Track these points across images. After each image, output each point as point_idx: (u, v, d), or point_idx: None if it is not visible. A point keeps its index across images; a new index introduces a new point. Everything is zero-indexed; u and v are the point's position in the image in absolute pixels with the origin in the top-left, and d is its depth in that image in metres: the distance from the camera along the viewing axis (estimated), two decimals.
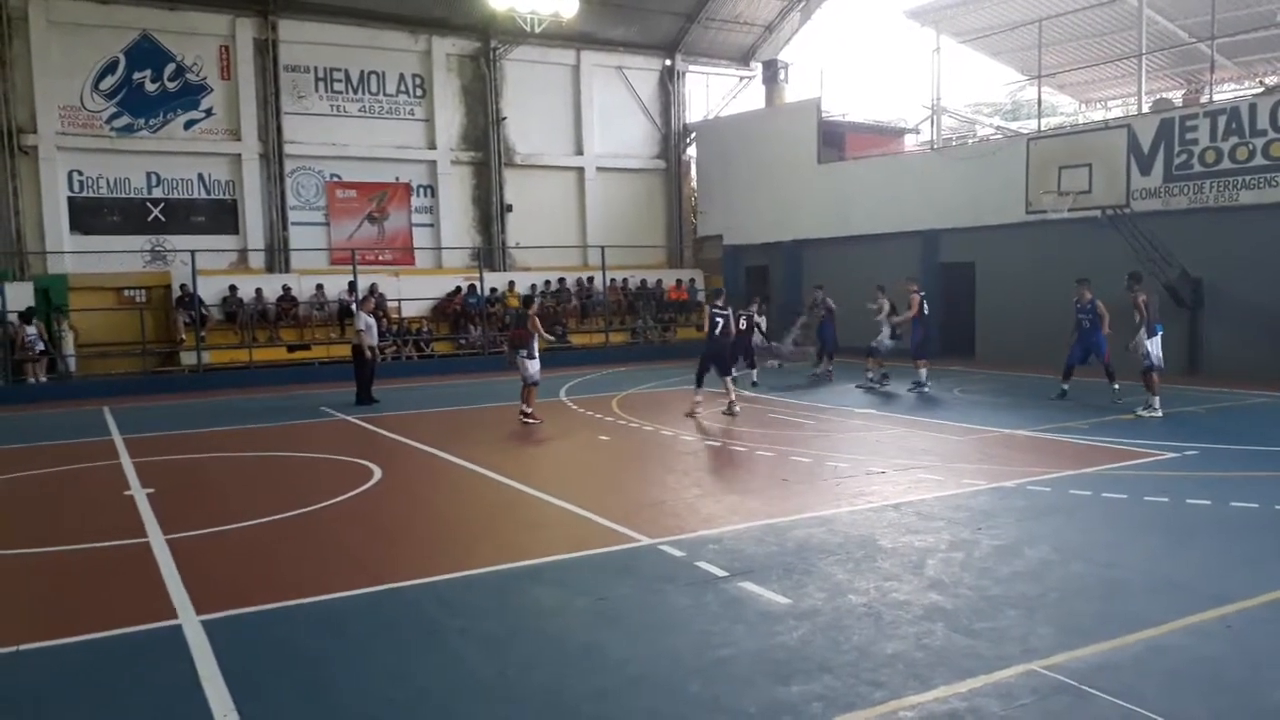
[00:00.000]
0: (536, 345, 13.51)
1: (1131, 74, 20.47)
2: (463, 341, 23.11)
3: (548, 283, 25.24)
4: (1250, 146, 15.83)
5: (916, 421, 12.70)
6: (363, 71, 24.01)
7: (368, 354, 16.03)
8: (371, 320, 16.30)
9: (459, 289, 23.67)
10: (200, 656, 5.04)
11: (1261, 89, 22.11)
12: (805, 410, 13.99)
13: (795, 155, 24.44)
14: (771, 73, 27.47)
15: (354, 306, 17.94)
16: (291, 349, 21.49)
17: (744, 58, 29.12)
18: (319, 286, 22.35)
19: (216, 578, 6.54)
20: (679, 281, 27.13)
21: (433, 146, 24.88)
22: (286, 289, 22.00)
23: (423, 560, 6.91)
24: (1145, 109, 19.38)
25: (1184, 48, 22.04)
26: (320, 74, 23.55)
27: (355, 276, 21.64)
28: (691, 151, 28.73)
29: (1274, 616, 5.30)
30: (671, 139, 28.45)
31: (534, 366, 13.43)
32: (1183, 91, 24.08)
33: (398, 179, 24.60)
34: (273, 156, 22.94)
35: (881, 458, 10.23)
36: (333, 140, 23.63)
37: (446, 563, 6.72)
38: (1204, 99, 19.11)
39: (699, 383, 13.89)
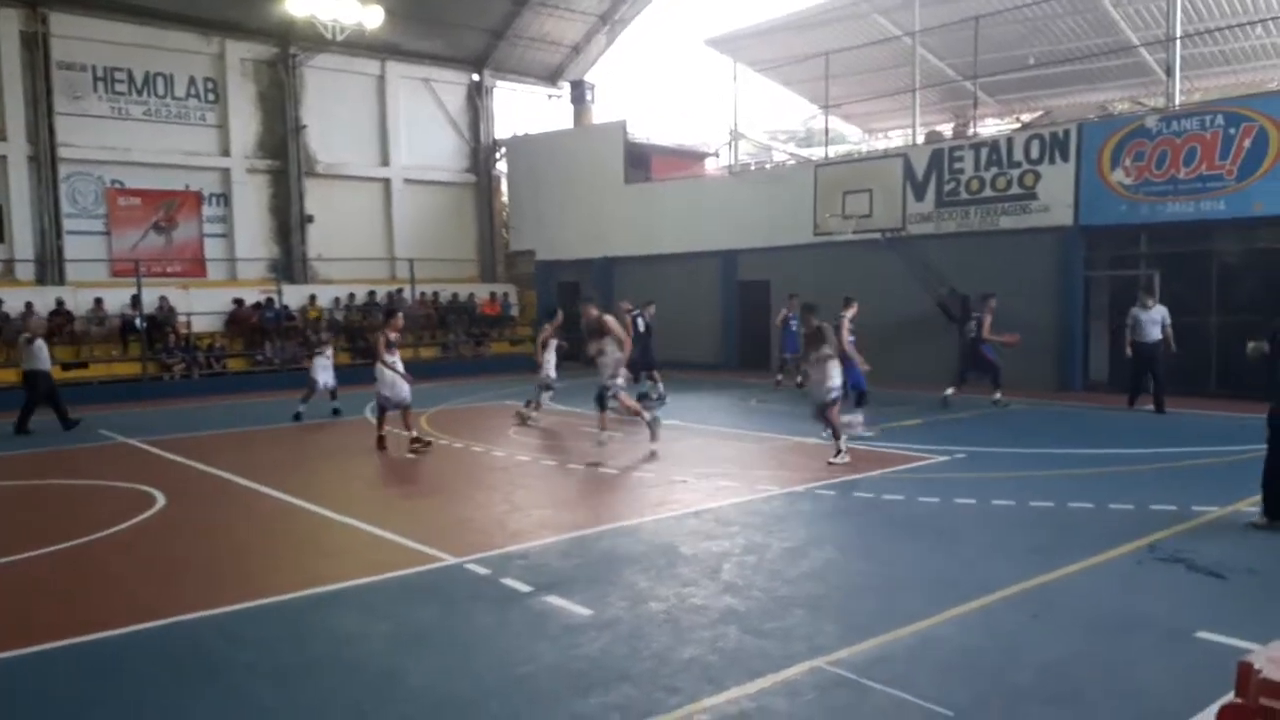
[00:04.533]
0: (390, 361, 12.30)
1: (909, 107, 22.12)
2: (259, 358, 21.98)
3: (352, 296, 24.43)
4: (1008, 176, 17.40)
5: (718, 431, 13.19)
6: (148, 73, 22.46)
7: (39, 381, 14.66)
8: (41, 342, 14.91)
9: (241, 301, 22.49)
10: None
11: (1018, 125, 24.55)
12: (614, 423, 14.18)
13: (604, 175, 24.82)
14: (579, 93, 27.85)
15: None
16: (66, 367, 19.71)
17: (552, 76, 29.37)
18: (98, 300, 20.67)
19: None
20: (493, 295, 26.96)
21: (226, 154, 23.60)
22: (60, 303, 20.22)
23: (206, 591, 6.49)
24: (919, 140, 20.99)
25: (952, 85, 24.06)
26: (100, 73, 21.84)
27: (139, 289, 20.18)
28: (502, 166, 28.63)
29: (1025, 603, 5.86)
30: (481, 153, 28.27)
31: (382, 388, 12.25)
32: (953, 125, 26.28)
33: (188, 187, 23.14)
34: (44, 159, 21.04)
35: (685, 466, 10.55)
36: (114, 144, 21.97)
37: (233, 593, 6.35)
38: (970, 132, 20.89)
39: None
